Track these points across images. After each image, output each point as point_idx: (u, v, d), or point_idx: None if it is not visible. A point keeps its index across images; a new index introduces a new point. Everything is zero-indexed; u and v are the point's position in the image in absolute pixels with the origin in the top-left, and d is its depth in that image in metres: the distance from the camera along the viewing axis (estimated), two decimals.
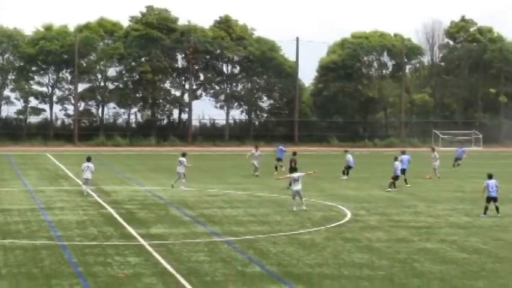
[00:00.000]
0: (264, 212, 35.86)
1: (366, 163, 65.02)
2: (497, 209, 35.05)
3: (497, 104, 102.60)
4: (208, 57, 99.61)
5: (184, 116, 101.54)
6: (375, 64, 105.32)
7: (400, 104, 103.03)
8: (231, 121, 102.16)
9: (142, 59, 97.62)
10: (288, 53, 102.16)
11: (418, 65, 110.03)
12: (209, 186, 47.00)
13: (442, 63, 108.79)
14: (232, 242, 28.25)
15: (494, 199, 35.14)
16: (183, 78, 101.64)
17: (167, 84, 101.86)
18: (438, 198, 42.17)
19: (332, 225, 32.37)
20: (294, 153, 50.18)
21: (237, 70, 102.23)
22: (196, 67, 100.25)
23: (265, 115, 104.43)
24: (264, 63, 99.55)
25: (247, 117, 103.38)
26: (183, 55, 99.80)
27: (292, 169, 46.21)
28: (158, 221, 32.86)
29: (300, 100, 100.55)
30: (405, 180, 48.03)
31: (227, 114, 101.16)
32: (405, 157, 50.11)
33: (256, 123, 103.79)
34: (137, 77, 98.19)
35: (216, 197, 41.78)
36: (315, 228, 31.41)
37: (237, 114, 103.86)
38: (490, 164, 68.20)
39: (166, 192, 43.17)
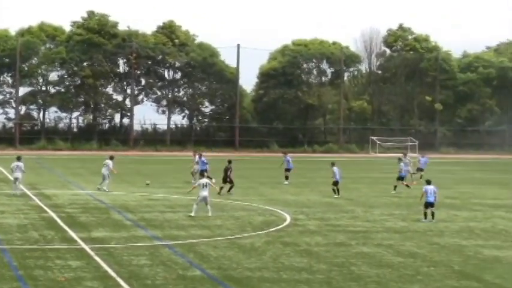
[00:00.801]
0: (205, 216, 35.80)
1: (305, 168, 65.34)
2: (432, 214, 35.44)
3: (433, 111, 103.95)
4: (150, 62, 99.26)
5: (126, 121, 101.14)
6: (315, 71, 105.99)
7: (338, 110, 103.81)
8: (172, 126, 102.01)
9: (84, 63, 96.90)
10: (229, 59, 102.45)
11: (356, 72, 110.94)
12: (150, 190, 46.79)
13: (380, 71, 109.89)
14: (173, 245, 28.16)
15: (432, 204, 35.49)
16: (124, 83, 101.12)
17: (109, 89, 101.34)
18: (375, 203, 42.53)
19: (272, 229, 32.44)
20: (229, 162, 47.46)
21: (178, 76, 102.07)
22: (138, 72, 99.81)
23: (206, 120, 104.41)
24: (206, 69, 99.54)
25: (188, 122, 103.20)
26: (125, 60, 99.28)
27: (227, 178, 46.08)
28: (99, 225, 32.61)
29: (240, 106, 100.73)
30: (407, 185, 48.83)
31: (169, 119, 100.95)
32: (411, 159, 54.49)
33: (198, 128, 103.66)
34: (79, 81, 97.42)
35: (157, 201, 41.60)
36: (255, 233, 31.45)
37: (179, 119, 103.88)
38: (426, 169, 69.04)
39: (108, 196, 42.86)
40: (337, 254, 27.23)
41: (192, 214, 34.94)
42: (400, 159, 50.29)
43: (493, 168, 73.22)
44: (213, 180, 38.74)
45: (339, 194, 44.57)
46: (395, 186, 48.00)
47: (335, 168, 45.19)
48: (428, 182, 36.22)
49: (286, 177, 52.46)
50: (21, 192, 43.13)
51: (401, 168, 48.69)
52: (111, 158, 47.43)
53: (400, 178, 48.10)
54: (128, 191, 45.48)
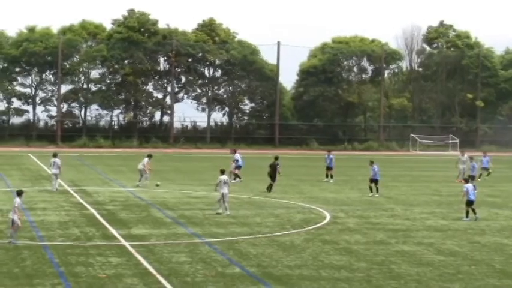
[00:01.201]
0: (244, 213, 35.87)
1: (345, 166, 65.14)
2: (473, 211, 35.37)
3: (474, 108, 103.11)
4: (190, 60, 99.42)
5: (166, 118, 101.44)
6: (355, 69, 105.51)
7: (379, 108, 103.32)
8: (212, 124, 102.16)
9: (125, 61, 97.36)
10: (269, 57, 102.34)
11: (397, 70, 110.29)
12: (190, 187, 46.97)
13: (420, 69, 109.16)
14: (212, 243, 28.25)
15: (473, 202, 35.34)
16: (165, 80, 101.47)
17: (149, 87, 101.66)
18: (415, 201, 42.31)
19: (311, 227, 32.42)
20: (276, 158, 48.08)
21: (218, 73, 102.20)
22: (178, 70, 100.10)
23: (246, 118, 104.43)
24: (246, 67, 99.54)
25: (228, 119, 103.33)
26: (165, 58, 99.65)
27: (275, 175, 46.13)
28: (139, 222, 32.81)
29: (280, 103, 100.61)
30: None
31: (208, 116, 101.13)
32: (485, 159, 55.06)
33: (238, 125, 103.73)
34: (120, 79, 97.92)
35: (197, 198, 41.75)
36: (295, 230, 31.46)
37: (219, 116, 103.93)
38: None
39: (148, 194, 43.11)
40: (376, 252, 27.14)
41: (220, 211, 35.19)
42: (471, 158, 50.63)
43: None
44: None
45: (377, 192, 44.17)
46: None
47: (375, 167, 44.91)
48: (467, 181, 36.23)
49: (327, 176, 52.16)
50: (59, 189, 43.55)
51: (472, 166, 49.00)
52: (149, 156, 47.84)
53: (472, 177, 47.61)
54: (168, 188, 45.68)
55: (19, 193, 27.74)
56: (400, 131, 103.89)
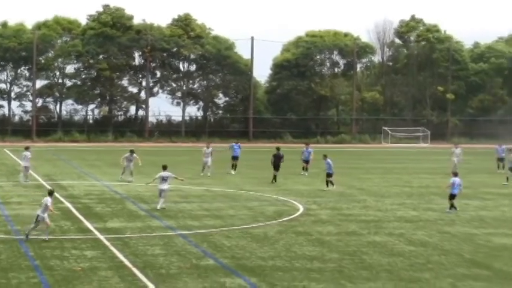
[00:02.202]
0: (218, 206, 35.89)
1: (318, 159, 65.19)
2: (453, 205, 35.23)
3: (445, 101, 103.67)
4: (165, 55, 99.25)
5: (141, 113, 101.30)
6: (327, 62, 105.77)
7: (351, 101, 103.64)
8: (187, 118, 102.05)
9: (100, 56, 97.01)
10: (243, 51, 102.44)
11: (369, 63, 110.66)
12: None
13: (392, 62, 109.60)
14: (187, 235, 28.25)
15: (454, 196, 35.27)
16: (140, 75, 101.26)
17: (124, 81, 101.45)
18: (387, 193, 42.51)
19: (284, 219, 32.50)
20: (278, 149, 48.94)
21: (193, 68, 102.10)
22: (153, 65, 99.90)
23: (220, 112, 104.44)
24: (220, 61, 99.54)
25: (203, 113, 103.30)
26: (140, 53, 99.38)
27: (278, 165, 46.97)
28: (115, 215, 32.75)
29: (254, 97, 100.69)
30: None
31: (183, 110, 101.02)
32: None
33: (212, 119, 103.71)
34: (95, 74, 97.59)
35: (172, 191, 41.64)
36: (268, 222, 31.51)
37: (193, 110, 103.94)
38: (438, 160, 68.98)
39: (123, 187, 43.01)
40: (348, 243, 27.26)
41: (158, 207, 34.41)
42: (510, 150, 50.88)
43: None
44: (180, 178, 36.99)
45: (333, 185, 43.37)
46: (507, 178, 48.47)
47: (328, 160, 44.50)
48: (456, 174, 35.90)
49: (304, 169, 51.95)
50: (34, 183, 43.34)
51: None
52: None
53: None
54: (142, 182, 45.56)
55: (50, 193, 27.40)
56: (372, 124, 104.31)
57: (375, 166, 56.31)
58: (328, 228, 30.36)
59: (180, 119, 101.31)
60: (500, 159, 57.37)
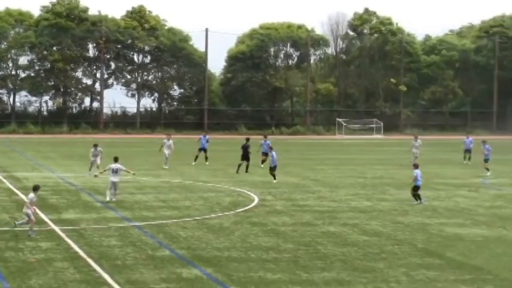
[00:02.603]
0: (174, 197, 35.77)
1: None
2: (418, 196, 34.81)
3: (397, 93, 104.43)
4: (119, 46, 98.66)
5: (96, 104, 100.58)
6: (281, 55, 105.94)
7: (305, 93, 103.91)
8: (141, 109, 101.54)
9: (54, 48, 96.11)
10: (198, 43, 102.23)
11: (322, 55, 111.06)
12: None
13: (345, 55, 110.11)
14: (142, 226, 28.11)
15: (418, 188, 34.77)
16: (94, 67, 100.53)
17: (79, 73, 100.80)
18: (341, 183, 42.71)
19: (240, 210, 32.49)
20: (248, 139, 49.28)
21: (148, 60, 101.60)
22: (108, 56, 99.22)
23: (175, 103, 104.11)
24: (175, 53, 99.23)
25: (158, 105, 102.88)
26: (95, 44, 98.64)
27: (247, 155, 47.47)
28: (70, 207, 32.48)
29: (209, 89, 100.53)
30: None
31: (138, 102, 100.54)
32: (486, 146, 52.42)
33: (167, 111, 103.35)
34: (49, 65, 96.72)
35: (127, 183, 41.44)
36: (224, 213, 31.48)
37: (148, 102, 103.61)
38: (391, 151, 69.50)
39: (78, 179, 42.67)
40: (303, 233, 27.33)
41: (107, 199, 33.70)
42: (484, 142, 50.96)
43: (456, 149, 73.69)
44: (131, 172, 35.66)
45: (275, 179, 42.48)
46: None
47: (273, 153, 44.15)
48: (416, 166, 35.21)
49: (262, 161, 51.18)
50: None
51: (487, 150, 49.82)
52: (95, 145, 45.91)
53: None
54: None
55: (35, 188, 26.37)
56: (326, 115, 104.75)
57: (329, 157, 56.52)
58: (283, 218, 30.42)
59: (135, 110, 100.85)
60: (468, 151, 57.08)
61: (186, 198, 35.42)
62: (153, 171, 47.61)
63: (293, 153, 55.57)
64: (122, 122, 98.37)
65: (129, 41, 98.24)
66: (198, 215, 30.84)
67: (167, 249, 24.27)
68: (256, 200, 35.42)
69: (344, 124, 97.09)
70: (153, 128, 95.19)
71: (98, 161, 45.65)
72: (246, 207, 33.14)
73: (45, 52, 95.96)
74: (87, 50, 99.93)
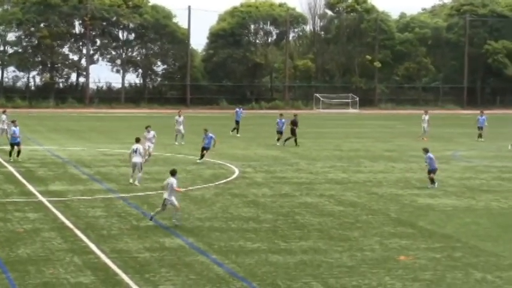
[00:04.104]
0: (158, 170, 35.72)
1: (253, 124, 65.37)
2: (432, 180, 32.05)
3: (372, 69, 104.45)
4: (104, 23, 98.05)
5: (82, 80, 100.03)
6: (261, 32, 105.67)
7: (284, 69, 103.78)
8: (126, 85, 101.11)
9: (41, 24, 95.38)
10: (181, 21, 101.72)
11: (301, 33, 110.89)
12: (106, 146, 46.50)
13: (323, 32, 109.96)
14: (127, 198, 28.10)
15: (434, 171, 32.07)
16: (80, 43, 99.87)
17: (65, 49, 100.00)
18: (318, 156, 42.79)
19: (221, 182, 32.54)
20: (295, 115, 50.06)
21: (132, 36, 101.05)
22: (93, 33, 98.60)
23: (159, 79, 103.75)
24: (158, 30, 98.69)
25: (142, 81, 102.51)
26: (81, 21, 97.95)
27: (295, 130, 47.63)
28: (57, 179, 32.39)
29: (191, 65, 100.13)
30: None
31: (123, 78, 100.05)
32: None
33: (151, 86, 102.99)
34: (36, 42, 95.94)
35: (112, 156, 41.38)
36: (205, 185, 31.52)
37: (133, 78, 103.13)
38: (366, 124, 69.68)
39: (65, 152, 42.52)
40: (282, 204, 27.42)
41: (131, 181, 31.27)
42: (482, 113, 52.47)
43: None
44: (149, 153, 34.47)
45: (201, 159, 39.46)
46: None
47: (210, 135, 40.47)
48: (427, 151, 32.36)
49: (278, 140, 48.94)
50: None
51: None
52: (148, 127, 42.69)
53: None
54: (84, 147, 45.16)
55: (173, 173, 24.05)
56: (305, 90, 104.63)
57: (307, 131, 56.53)
58: (263, 190, 30.49)
59: (119, 86, 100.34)
60: (480, 128, 54.75)
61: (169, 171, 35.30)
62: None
63: (272, 127, 55.52)
64: (107, 97, 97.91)
65: (114, 18, 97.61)
66: (180, 187, 30.81)
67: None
68: (237, 172, 35.46)
69: (321, 99, 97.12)
70: (137, 102, 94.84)
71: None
72: (227, 179, 33.18)
73: (32, 29, 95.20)
74: (74, 27, 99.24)
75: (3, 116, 46.46)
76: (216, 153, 43.23)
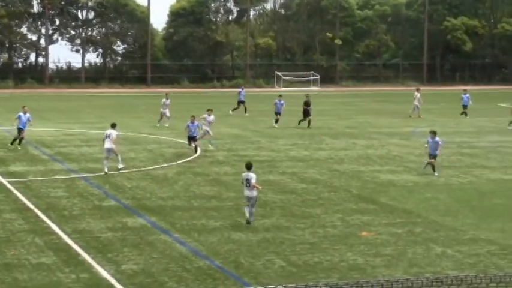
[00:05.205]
0: (119, 149, 35.48)
1: (215, 103, 65.14)
2: (433, 167, 29.65)
3: (333, 47, 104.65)
4: (63, 3, 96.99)
5: (41, 60, 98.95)
6: (222, 10, 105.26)
7: (245, 47, 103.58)
8: (86, 64, 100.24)
9: None
10: None
11: (262, 11, 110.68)
12: (66, 125, 46.13)
13: (284, 10, 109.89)
14: (88, 178, 27.95)
15: (434, 156, 29.72)
16: (39, 23, 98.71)
17: (23, 29, 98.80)
18: (280, 134, 42.86)
19: (183, 160, 32.48)
20: (307, 95, 48.96)
21: (91, 15, 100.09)
22: (52, 12, 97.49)
23: (119, 58, 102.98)
24: (118, 9, 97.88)
25: (102, 60, 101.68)
26: (39, 0, 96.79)
27: (309, 112, 46.65)
28: (17, 160, 32.11)
29: (152, 44, 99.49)
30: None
31: (83, 57, 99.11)
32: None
33: (111, 66, 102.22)
34: None
35: (73, 136, 41.09)
36: (167, 164, 31.45)
37: (93, 57, 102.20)
38: (327, 102, 69.90)
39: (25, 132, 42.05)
40: None
41: (105, 170, 28.85)
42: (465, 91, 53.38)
43: (389, 99, 74.47)
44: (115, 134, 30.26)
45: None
46: None
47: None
48: (434, 133, 30.17)
49: (276, 121, 47.79)
50: None
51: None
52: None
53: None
54: (44, 127, 44.76)
55: (249, 167, 21.40)
56: (266, 68, 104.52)
57: (268, 109, 56.47)
58: (224, 168, 30.50)
59: (79, 65, 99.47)
60: (465, 106, 54.46)
61: (131, 150, 35.24)
62: (98, 124, 47.16)
63: (232, 105, 55.55)
64: (67, 76, 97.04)
65: None
66: (142, 166, 30.76)
67: (113, 199, 24.20)
68: (199, 151, 35.40)
69: (283, 77, 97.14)
70: (97, 82, 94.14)
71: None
72: (189, 158, 33.13)
73: None
74: (32, 6, 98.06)
75: None
76: (178, 132, 43.10)
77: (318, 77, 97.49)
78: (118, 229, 20.40)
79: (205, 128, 36.39)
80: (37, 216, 21.78)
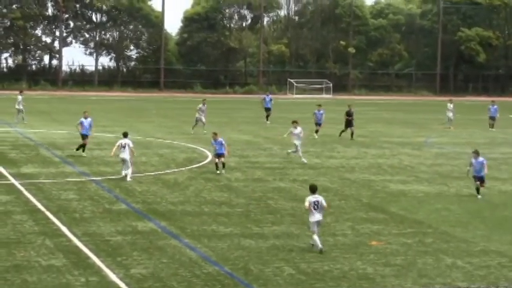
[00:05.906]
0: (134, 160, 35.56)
1: (227, 108, 65.27)
2: (478, 190, 27.17)
3: (346, 55, 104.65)
4: (78, 5, 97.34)
5: (55, 62, 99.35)
6: (236, 16, 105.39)
7: (258, 54, 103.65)
8: (100, 68, 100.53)
9: (14, 6, 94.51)
10: (155, 4, 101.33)
11: (275, 17, 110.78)
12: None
13: (298, 17, 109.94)
14: (100, 181, 27.98)
15: (480, 179, 27.07)
16: (53, 25, 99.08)
17: (38, 31, 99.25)
18: (291, 141, 42.68)
19: (194, 166, 32.48)
20: (350, 105, 46.63)
21: (105, 19, 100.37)
22: (67, 15, 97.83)
23: (132, 63, 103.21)
24: (132, 13, 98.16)
25: (115, 64, 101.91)
26: (53, 3, 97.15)
27: (351, 122, 45.23)
28: (29, 161, 32.18)
29: (165, 49, 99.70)
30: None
31: (96, 60, 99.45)
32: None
33: (124, 70, 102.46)
34: (8, 23, 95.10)
35: None
36: (178, 169, 31.45)
37: (106, 61, 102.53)
38: (339, 110, 69.71)
39: (37, 134, 42.23)
40: (255, 188, 27.43)
41: (123, 174, 28.80)
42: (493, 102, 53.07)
43: (401, 109, 74.37)
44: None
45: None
46: None
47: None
48: (477, 154, 27.28)
49: (316, 132, 46.34)
50: None
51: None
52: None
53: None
54: (56, 129, 44.86)
55: (313, 189, 20.20)
56: (279, 75, 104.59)
57: (281, 116, 56.49)
58: (235, 174, 30.48)
59: (93, 68, 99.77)
60: (492, 118, 53.95)
61: (142, 155, 35.24)
62: (110, 127, 47.28)
63: (246, 112, 55.56)
64: (80, 79, 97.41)
65: (88, 0, 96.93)
66: (153, 171, 30.77)
67: (123, 203, 24.22)
68: (210, 156, 35.39)
69: (295, 84, 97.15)
70: (110, 85, 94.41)
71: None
72: (200, 164, 33.13)
73: (4, 10, 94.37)
74: (47, 9, 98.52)
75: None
76: (190, 137, 43.16)
77: (331, 84, 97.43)
78: (128, 233, 20.40)
79: (294, 142, 34.70)
80: (48, 218, 21.81)
